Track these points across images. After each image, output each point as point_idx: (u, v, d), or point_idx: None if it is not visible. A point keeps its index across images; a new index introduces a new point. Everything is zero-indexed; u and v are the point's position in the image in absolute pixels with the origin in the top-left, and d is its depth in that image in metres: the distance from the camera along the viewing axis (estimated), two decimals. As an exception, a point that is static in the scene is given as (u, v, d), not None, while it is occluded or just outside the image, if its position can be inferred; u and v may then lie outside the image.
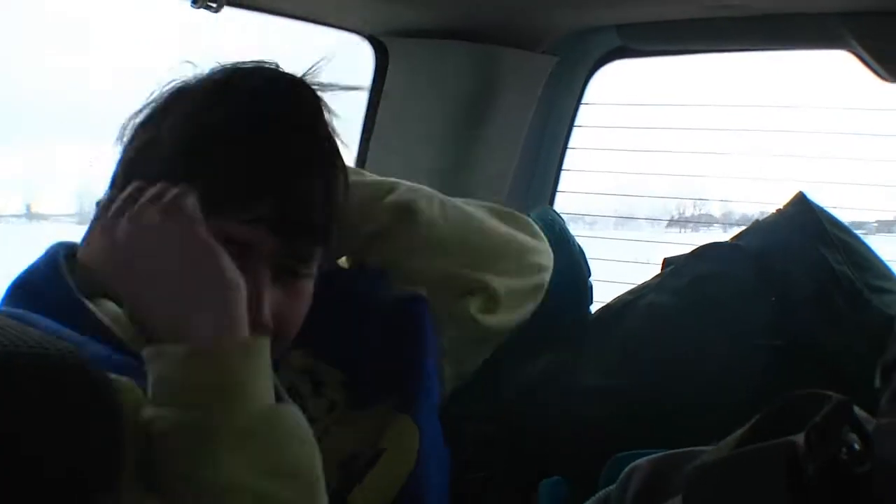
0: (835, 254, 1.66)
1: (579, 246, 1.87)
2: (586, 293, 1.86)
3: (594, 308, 1.88)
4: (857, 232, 1.75)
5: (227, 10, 1.86)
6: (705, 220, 3.37)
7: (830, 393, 1.08)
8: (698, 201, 3.46)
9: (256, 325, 1.20)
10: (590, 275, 1.87)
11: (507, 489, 1.60)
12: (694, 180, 3.11)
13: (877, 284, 1.66)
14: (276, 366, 1.27)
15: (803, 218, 1.71)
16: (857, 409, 1.02)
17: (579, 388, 1.69)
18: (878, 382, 0.85)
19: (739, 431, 1.15)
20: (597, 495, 1.31)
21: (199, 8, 1.84)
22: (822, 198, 1.70)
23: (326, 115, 1.34)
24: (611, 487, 1.28)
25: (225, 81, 1.30)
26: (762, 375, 1.59)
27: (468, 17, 2.04)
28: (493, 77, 2.19)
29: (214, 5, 1.83)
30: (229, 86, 1.30)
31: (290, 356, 1.41)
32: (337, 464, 1.33)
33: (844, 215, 1.75)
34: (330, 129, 1.34)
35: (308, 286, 1.32)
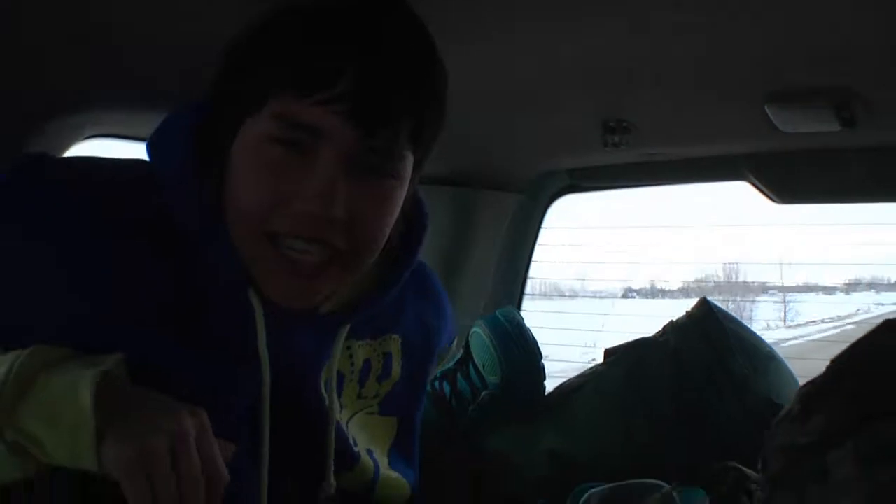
0: (728, 351, 1.74)
1: (534, 339, 1.91)
2: (538, 375, 1.89)
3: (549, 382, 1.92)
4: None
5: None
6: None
7: (735, 465, 1.24)
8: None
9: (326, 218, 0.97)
10: (541, 357, 1.91)
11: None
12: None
13: (762, 367, 1.74)
14: (358, 328, 1.16)
15: (705, 322, 1.79)
16: (746, 470, 1.16)
17: (538, 451, 1.75)
18: (759, 465, 0.86)
19: (676, 484, 1.31)
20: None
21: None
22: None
23: None
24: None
25: None
26: (671, 439, 1.68)
27: (451, 168, 2.08)
28: (471, 212, 2.23)
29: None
30: None
31: (387, 336, 1.22)
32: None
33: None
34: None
35: (394, 189, 1.03)
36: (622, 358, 1.82)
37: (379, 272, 1.16)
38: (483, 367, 1.83)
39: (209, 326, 1.04)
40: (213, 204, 1.04)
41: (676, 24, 1.34)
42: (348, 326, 1.15)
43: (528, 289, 2.46)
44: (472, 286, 2.25)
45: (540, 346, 1.91)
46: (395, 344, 1.24)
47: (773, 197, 2.07)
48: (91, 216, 1.02)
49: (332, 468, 1.13)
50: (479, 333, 1.85)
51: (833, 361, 0.70)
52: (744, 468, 1.13)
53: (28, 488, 0.98)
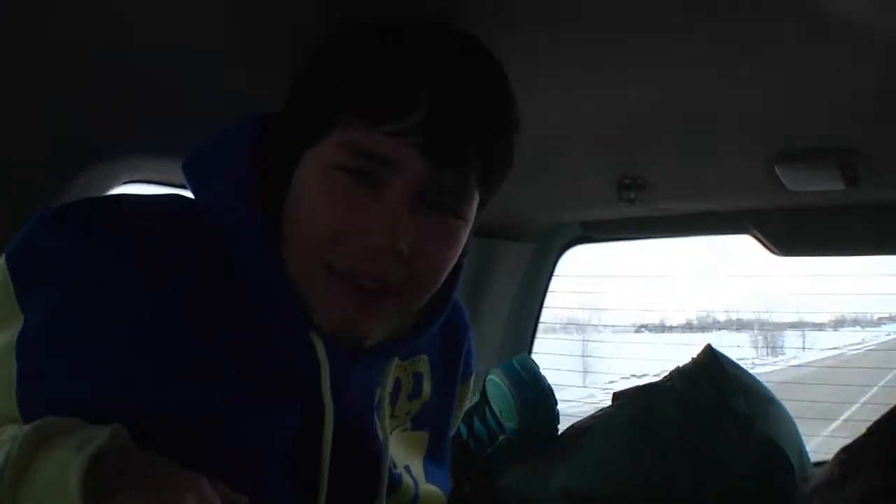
0: (731, 395, 1.73)
1: (549, 385, 1.93)
2: (553, 419, 1.91)
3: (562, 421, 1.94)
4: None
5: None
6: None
7: None
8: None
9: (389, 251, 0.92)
10: (556, 404, 1.93)
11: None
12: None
13: (761, 410, 1.74)
14: (405, 350, 1.12)
15: (709, 368, 1.79)
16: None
17: (552, 490, 1.74)
18: None
19: None
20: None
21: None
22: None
23: None
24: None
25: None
26: (678, 478, 1.66)
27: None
28: (489, 261, 2.22)
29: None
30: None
31: (418, 357, 1.19)
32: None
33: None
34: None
35: (458, 230, 0.98)
36: (630, 402, 1.82)
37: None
38: (500, 413, 1.84)
39: (267, 371, 0.99)
40: (270, 236, 0.98)
41: (691, 89, 1.34)
42: (396, 358, 1.11)
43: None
44: (488, 330, 2.26)
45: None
46: (424, 364, 1.20)
47: (774, 250, 2.09)
48: (122, 264, 0.94)
49: (384, 492, 1.09)
50: (497, 381, 1.86)
51: (869, 429, 0.70)
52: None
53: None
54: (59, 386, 0.91)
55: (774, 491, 1.57)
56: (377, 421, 1.10)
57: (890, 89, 1.31)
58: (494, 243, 2.19)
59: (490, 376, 1.84)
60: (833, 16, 1.04)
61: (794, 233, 2.04)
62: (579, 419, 1.90)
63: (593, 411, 1.90)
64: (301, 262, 0.96)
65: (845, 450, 0.69)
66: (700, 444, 1.68)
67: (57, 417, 0.87)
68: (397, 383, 1.16)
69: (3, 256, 0.94)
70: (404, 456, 1.18)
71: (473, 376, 1.36)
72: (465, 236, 1.00)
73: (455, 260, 1.01)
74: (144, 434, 0.88)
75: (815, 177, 1.69)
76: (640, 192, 1.86)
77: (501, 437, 1.84)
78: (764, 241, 2.08)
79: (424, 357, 1.20)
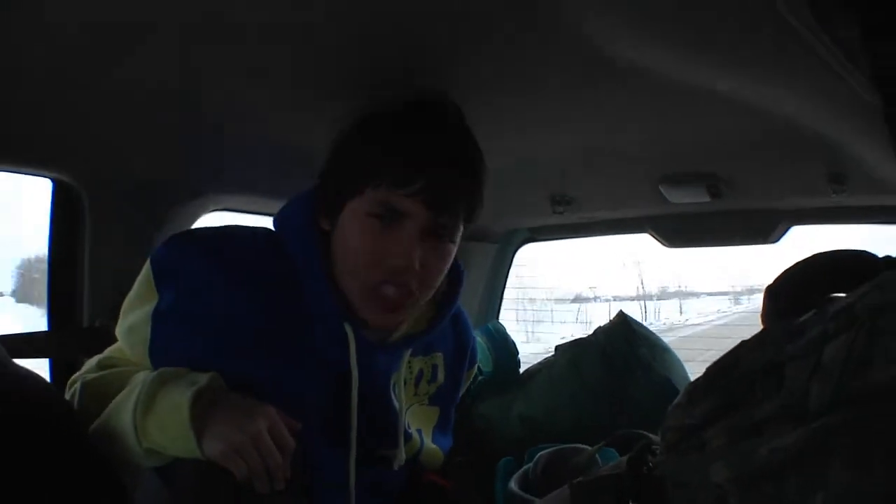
0: (638, 346, 1.83)
1: (513, 341, 2.02)
2: (516, 365, 1.99)
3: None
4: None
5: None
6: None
7: (644, 433, 1.22)
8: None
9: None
10: (517, 354, 2.01)
11: (475, 469, 1.51)
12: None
13: (659, 357, 1.81)
14: (418, 347, 1.19)
15: (622, 327, 1.89)
16: (652, 437, 1.12)
17: (512, 415, 1.85)
18: (660, 436, 0.80)
19: (597, 447, 1.31)
20: (521, 469, 1.45)
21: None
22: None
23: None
24: (529, 465, 1.43)
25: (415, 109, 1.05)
26: (601, 410, 1.73)
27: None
28: (463, 259, 2.17)
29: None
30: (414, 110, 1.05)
31: (431, 355, 1.23)
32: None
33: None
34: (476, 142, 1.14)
35: (449, 248, 1.09)
36: (566, 351, 1.92)
37: (430, 313, 1.20)
38: (480, 361, 1.97)
39: (313, 348, 1.10)
40: (323, 261, 1.11)
41: (596, 133, 1.43)
42: (410, 349, 1.21)
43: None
44: (466, 307, 2.18)
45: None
46: (439, 359, 1.27)
47: (665, 243, 2.22)
48: (220, 275, 1.06)
49: (402, 444, 1.17)
50: (477, 339, 1.91)
51: (708, 369, 0.73)
52: (651, 435, 1.13)
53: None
54: (174, 348, 1.06)
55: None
56: (394, 395, 1.20)
57: (741, 132, 1.39)
58: (466, 245, 2.11)
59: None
60: (678, 81, 1.13)
61: (678, 231, 2.14)
62: (532, 364, 2.05)
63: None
64: (351, 281, 1.09)
65: (692, 383, 0.72)
66: (617, 385, 1.79)
67: (173, 367, 1.03)
68: (420, 372, 1.25)
69: (149, 258, 1.08)
70: (417, 422, 1.26)
71: (476, 367, 1.44)
72: (454, 251, 1.13)
73: (448, 267, 1.13)
74: (230, 382, 1.03)
75: (687, 192, 1.82)
76: (567, 206, 1.97)
77: (479, 378, 1.97)
78: (657, 237, 2.21)
79: (440, 353, 1.28)
